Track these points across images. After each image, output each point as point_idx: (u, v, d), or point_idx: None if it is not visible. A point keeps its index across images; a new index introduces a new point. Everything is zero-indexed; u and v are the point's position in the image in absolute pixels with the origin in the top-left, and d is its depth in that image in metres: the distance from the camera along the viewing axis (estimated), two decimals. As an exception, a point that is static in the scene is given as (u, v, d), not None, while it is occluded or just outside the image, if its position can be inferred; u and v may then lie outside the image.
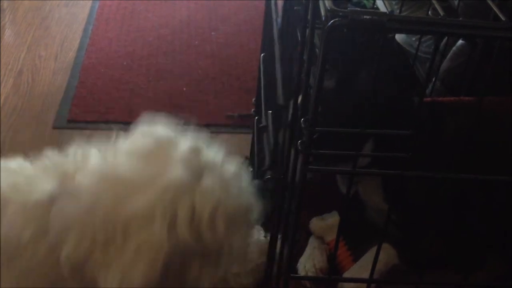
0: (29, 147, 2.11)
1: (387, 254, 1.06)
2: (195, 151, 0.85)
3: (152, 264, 0.75)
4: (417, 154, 1.00)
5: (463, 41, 1.51)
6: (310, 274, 1.04)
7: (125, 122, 2.27)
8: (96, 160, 0.87)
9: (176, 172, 0.79)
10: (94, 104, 2.35)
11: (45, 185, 0.87)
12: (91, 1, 3.05)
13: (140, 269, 0.74)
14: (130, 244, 0.74)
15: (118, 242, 0.75)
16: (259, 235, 0.97)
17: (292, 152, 0.90)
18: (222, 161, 0.88)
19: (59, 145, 2.13)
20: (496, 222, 1.09)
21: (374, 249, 1.06)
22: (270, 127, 1.30)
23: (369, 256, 1.06)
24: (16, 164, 0.94)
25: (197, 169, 0.82)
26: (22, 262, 0.82)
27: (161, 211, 0.75)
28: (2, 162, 0.94)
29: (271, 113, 1.33)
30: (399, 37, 1.69)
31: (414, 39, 1.69)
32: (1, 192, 0.87)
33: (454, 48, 1.52)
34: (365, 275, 1.03)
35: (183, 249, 0.77)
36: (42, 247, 0.81)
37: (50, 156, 0.93)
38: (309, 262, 1.06)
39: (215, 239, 0.79)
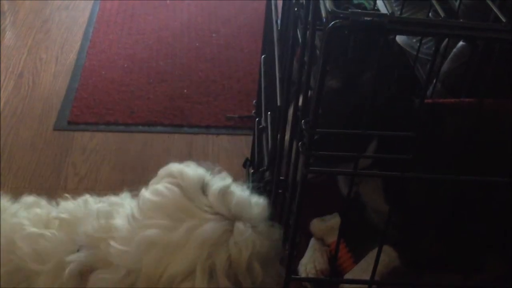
0: (30, 149, 2.13)
1: (388, 256, 1.05)
2: (224, 195, 0.87)
3: None
4: (417, 155, 1.01)
5: (463, 43, 1.51)
6: (311, 275, 1.04)
7: (126, 124, 2.28)
8: (122, 220, 0.87)
9: (209, 225, 0.82)
10: (95, 106, 2.36)
11: (73, 254, 0.87)
12: (91, 4, 3.05)
13: None
14: None
15: None
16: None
17: (293, 153, 0.90)
18: (249, 199, 0.90)
19: (60, 147, 2.14)
20: (496, 222, 1.09)
21: (375, 251, 1.06)
22: (269, 128, 1.30)
23: (370, 258, 1.06)
24: (34, 227, 0.94)
25: (228, 215, 0.84)
26: None
27: (201, 267, 0.79)
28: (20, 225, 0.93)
29: (270, 114, 1.33)
30: (399, 38, 1.69)
31: (414, 40, 1.69)
32: (22, 260, 0.88)
33: (454, 49, 1.52)
34: (366, 277, 1.03)
35: None
36: None
37: (69, 211, 0.93)
38: (310, 264, 1.06)
39: (253, 281, 0.82)
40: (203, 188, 0.88)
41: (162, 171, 0.92)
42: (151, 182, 0.91)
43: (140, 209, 0.85)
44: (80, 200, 0.97)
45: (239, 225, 0.83)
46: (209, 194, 0.86)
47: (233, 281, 0.80)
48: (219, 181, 0.89)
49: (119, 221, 0.86)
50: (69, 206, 0.95)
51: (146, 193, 0.88)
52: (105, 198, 0.95)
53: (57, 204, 0.98)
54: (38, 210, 0.97)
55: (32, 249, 0.89)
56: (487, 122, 1.11)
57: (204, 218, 0.82)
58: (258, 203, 0.88)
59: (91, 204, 0.94)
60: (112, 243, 0.82)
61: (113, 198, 0.95)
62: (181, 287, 0.78)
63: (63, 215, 0.94)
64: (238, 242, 0.81)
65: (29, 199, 1.00)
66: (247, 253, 0.81)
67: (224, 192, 0.86)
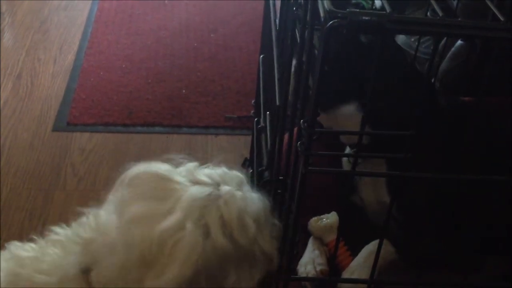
0: (29, 150, 2.12)
1: (384, 250, 1.05)
2: (198, 169, 0.89)
3: (185, 263, 0.78)
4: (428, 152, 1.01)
5: (462, 42, 1.51)
6: (310, 275, 1.04)
7: (124, 124, 2.28)
8: (109, 215, 0.89)
9: (194, 189, 0.84)
10: (93, 107, 2.35)
11: (71, 257, 0.89)
12: (89, 5, 3.05)
13: (173, 268, 0.78)
14: (165, 249, 0.79)
15: (154, 252, 0.79)
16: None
17: (292, 153, 0.90)
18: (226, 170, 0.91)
19: (59, 147, 2.14)
20: (496, 222, 1.09)
21: (369, 245, 1.06)
22: (268, 128, 1.30)
23: (364, 252, 1.06)
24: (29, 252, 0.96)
25: (211, 182, 0.86)
26: None
27: (192, 222, 0.80)
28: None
29: (269, 114, 1.33)
30: (398, 38, 1.69)
31: (413, 39, 1.69)
32: (35, 281, 0.90)
33: (453, 48, 1.52)
34: (363, 272, 1.03)
35: (221, 255, 0.81)
36: None
37: (64, 232, 0.96)
38: (309, 264, 1.06)
39: (248, 240, 0.83)
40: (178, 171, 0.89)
41: (124, 178, 0.92)
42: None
43: (122, 199, 0.87)
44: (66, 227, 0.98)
45: (225, 187, 0.85)
46: (185, 168, 0.89)
47: (229, 239, 0.81)
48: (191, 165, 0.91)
49: (105, 217, 0.89)
50: (59, 231, 0.97)
51: (123, 188, 0.89)
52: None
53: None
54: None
55: (35, 269, 0.91)
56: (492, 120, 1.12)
57: (188, 188, 0.84)
58: (237, 174, 0.90)
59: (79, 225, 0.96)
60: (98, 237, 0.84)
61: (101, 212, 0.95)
62: (172, 238, 0.79)
63: (56, 237, 0.96)
64: (227, 200, 0.83)
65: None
66: (237, 209, 0.83)
67: (197, 167, 0.90)
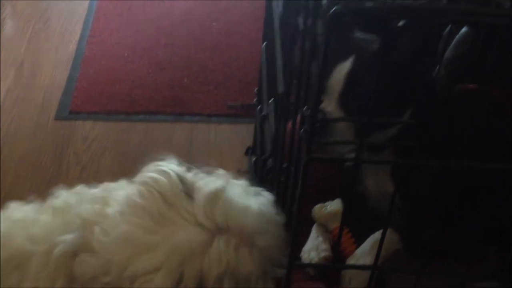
0: (31, 139, 2.13)
1: (389, 239, 1.05)
2: (213, 202, 0.82)
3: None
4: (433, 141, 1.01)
5: (466, 29, 1.50)
6: (314, 262, 1.04)
7: (127, 113, 2.28)
8: (113, 210, 0.86)
9: (186, 234, 0.80)
10: (96, 96, 2.35)
11: (66, 236, 0.87)
12: (91, -7, 3.04)
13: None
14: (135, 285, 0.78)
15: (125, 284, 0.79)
16: None
17: (295, 140, 0.90)
18: (243, 206, 0.84)
19: (61, 136, 2.14)
20: (500, 213, 1.09)
21: (376, 234, 1.06)
22: (271, 116, 1.30)
23: (370, 241, 1.06)
24: (25, 213, 0.96)
25: (211, 227, 0.81)
26: None
27: (166, 269, 0.78)
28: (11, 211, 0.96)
29: (272, 102, 1.33)
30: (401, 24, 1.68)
31: (416, 27, 1.68)
32: (20, 246, 0.89)
33: (457, 35, 1.51)
34: (367, 260, 1.03)
35: None
36: None
37: (62, 200, 0.94)
38: (313, 251, 1.06)
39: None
40: (189, 190, 0.84)
41: (141, 176, 0.89)
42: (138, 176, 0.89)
43: (128, 205, 0.85)
44: (75, 189, 0.96)
45: (219, 241, 0.80)
46: (195, 199, 0.83)
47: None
48: (210, 183, 0.85)
49: (111, 209, 0.86)
50: (62, 195, 0.95)
51: (133, 191, 0.86)
52: (103, 185, 0.94)
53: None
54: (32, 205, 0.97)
55: (26, 233, 0.90)
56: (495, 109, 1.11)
57: (185, 226, 0.80)
58: (255, 210, 0.84)
59: (85, 191, 0.94)
60: (96, 230, 0.83)
61: (110, 184, 0.94)
62: (142, 281, 0.78)
63: (56, 203, 0.94)
64: (212, 258, 0.79)
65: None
66: (217, 270, 0.79)
67: (213, 199, 0.82)
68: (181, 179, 0.85)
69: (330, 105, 1.02)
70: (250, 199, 0.85)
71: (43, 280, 0.85)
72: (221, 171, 0.91)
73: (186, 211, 0.82)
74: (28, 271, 0.87)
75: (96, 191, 0.93)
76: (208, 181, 0.86)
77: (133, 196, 0.85)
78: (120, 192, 0.89)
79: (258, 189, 0.90)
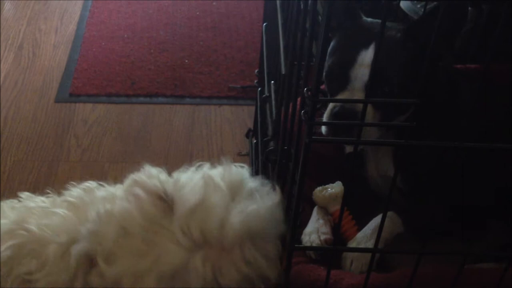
0: (32, 122, 2.12)
1: (392, 223, 1.05)
2: (189, 216, 0.81)
3: None
4: (432, 121, 1.00)
5: (469, 8, 1.49)
6: (314, 245, 1.04)
7: (127, 95, 2.27)
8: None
9: (169, 255, 0.80)
10: (96, 78, 2.34)
11: (78, 227, 0.89)
12: (90, -27, 3.01)
13: None
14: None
15: None
16: None
17: (296, 122, 0.89)
18: (225, 216, 0.82)
19: (62, 119, 2.13)
20: (501, 190, 1.08)
21: (378, 217, 1.05)
22: (273, 97, 1.29)
23: (372, 224, 1.05)
24: (40, 203, 0.97)
25: (189, 243, 0.81)
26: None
27: None
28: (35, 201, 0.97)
29: (273, 83, 1.32)
30: (403, 3, 1.66)
31: (419, 6, 1.66)
32: (35, 233, 0.90)
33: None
34: (369, 244, 1.03)
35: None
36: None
37: (76, 196, 0.95)
38: (313, 233, 1.06)
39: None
40: (169, 204, 0.83)
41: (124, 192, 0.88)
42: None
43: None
44: (83, 187, 0.96)
45: (195, 258, 0.80)
46: (175, 214, 0.82)
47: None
48: (190, 194, 0.83)
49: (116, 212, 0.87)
50: (74, 192, 0.95)
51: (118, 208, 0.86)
52: (105, 187, 0.95)
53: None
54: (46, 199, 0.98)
55: (42, 222, 0.90)
56: (496, 88, 1.10)
57: (166, 247, 0.80)
58: (236, 221, 0.81)
59: (95, 192, 0.94)
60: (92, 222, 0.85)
61: (111, 188, 0.94)
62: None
63: (71, 199, 0.94)
64: (191, 277, 0.80)
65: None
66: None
67: (190, 214, 0.81)
68: (164, 193, 0.84)
69: (356, 95, 1.01)
70: (235, 207, 0.82)
71: (63, 273, 0.86)
72: (222, 163, 0.88)
73: (165, 228, 0.81)
74: (44, 259, 0.87)
75: (105, 193, 0.92)
76: (188, 192, 0.83)
77: (118, 214, 0.85)
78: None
79: (262, 188, 0.87)
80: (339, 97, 1.04)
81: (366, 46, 1.01)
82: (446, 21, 0.96)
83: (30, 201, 0.96)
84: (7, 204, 0.97)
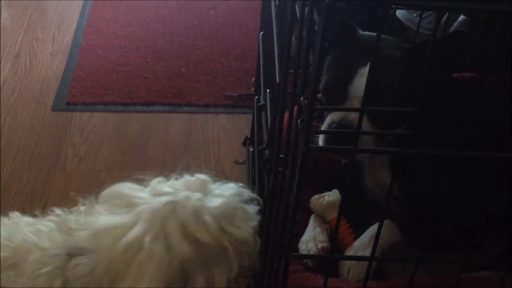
0: (28, 130, 2.12)
1: (389, 231, 1.05)
2: (158, 182, 0.95)
3: (153, 282, 0.85)
4: (427, 130, 1.00)
5: (464, 17, 1.50)
6: (311, 253, 1.04)
7: (124, 104, 2.27)
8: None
9: (154, 201, 0.91)
10: (93, 87, 2.34)
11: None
12: (87, -18, 3.02)
13: (143, 284, 0.85)
14: (131, 267, 0.85)
15: (121, 270, 0.86)
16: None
17: (293, 130, 0.89)
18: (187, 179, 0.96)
19: (59, 127, 2.13)
20: (498, 199, 1.08)
21: (375, 225, 1.05)
22: (268, 106, 1.29)
23: (369, 233, 1.05)
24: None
25: (170, 192, 0.92)
26: None
27: (153, 237, 0.87)
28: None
29: (269, 92, 1.32)
30: (399, 13, 1.67)
31: (415, 15, 1.67)
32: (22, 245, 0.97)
33: (455, 23, 1.50)
34: (366, 252, 1.03)
35: (188, 260, 0.87)
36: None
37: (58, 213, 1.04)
38: (310, 241, 1.06)
39: (211, 235, 0.88)
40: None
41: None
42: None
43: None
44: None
45: (182, 193, 0.91)
46: (149, 187, 0.95)
47: (192, 241, 0.87)
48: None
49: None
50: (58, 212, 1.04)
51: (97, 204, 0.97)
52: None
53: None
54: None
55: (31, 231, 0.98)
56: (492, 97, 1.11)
57: (148, 201, 0.91)
58: (199, 178, 0.95)
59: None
60: (81, 232, 0.92)
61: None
62: (136, 258, 0.86)
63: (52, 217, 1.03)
64: (183, 204, 0.89)
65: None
66: (193, 209, 0.88)
67: (162, 181, 0.95)
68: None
69: (353, 112, 1.01)
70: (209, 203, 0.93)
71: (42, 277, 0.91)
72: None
73: (146, 193, 0.95)
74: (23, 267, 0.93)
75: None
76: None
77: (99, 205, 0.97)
78: None
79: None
80: (337, 113, 1.03)
81: (364, 63, 1.00)
82: (445, 52, 0.96)
83: (19, 219, 1.04)
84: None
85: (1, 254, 0.94)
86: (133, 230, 0.87)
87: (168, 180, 0.97)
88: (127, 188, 0.95)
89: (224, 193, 0.93)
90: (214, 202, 0.91)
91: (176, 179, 0.96)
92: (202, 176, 0.95)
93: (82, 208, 0.99)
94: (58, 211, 1.02)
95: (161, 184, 0.95)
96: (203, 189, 0.93)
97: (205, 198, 0.91)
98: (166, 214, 0.88)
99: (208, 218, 0.88)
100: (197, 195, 0.90)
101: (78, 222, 0.95)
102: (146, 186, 0.97)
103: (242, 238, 0.91)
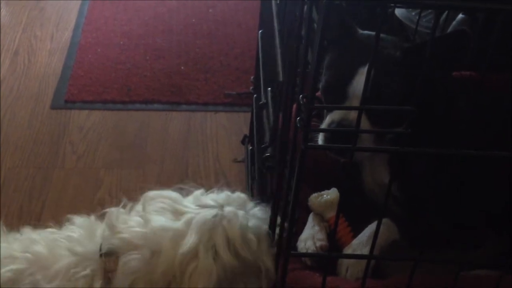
0: (27, 128, 2.11)
1: (388, 230, 1.05)
2: (201, 194, 1.01)
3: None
4: (429, 129, 1.00)
5: (463, 16, 1.50)
6: (310, 251, 1.04)
7: (123, 102, 2.27)
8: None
9: (200, 214, 0.95)
10: (91, 85, 2.34)
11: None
12: (86, -20, 3.01)
13: None
14: (185, 276, 0.90)
15: (177, 277, 0.91)
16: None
17: (292, 128, 0.89)
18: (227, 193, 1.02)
19: (57, 125, 2.13)
20: (498, 199, 1.08)
21: (374, 224, 1.05)
22: (270, 104, 1.29)
23: (368, 231, 1.05)
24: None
25: (215, 205, 0.97)
26: None
27: (203, 247, 0.91)
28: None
29: (270, 90, 1.32)
30: (398, 11, 1.67)
31: (414, 13, 1.67)
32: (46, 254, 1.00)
33: (454, 22, 1.50)
34: (365, 250, 1.03)
35: (230, 271, 0.92)
36: None
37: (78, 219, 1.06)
38: (309, 240, 1.06)
39: (252, 254, 0.93)
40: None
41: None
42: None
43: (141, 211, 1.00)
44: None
45: (228, 208, 0.96)
46: (192, 198, 1.00)
47: (234, 253, 0.92)
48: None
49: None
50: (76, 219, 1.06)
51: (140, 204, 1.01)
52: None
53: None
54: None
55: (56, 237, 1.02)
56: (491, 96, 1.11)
57: (195, 212, 0.96)
58: (239, 195, 1.00)
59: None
60: (133, 228, 0.95)
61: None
62: (190, 266, 0.91)
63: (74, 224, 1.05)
64: (231, 219, 0.94)
65: None
66: (240, 226, 0.94)
67: (204, 193, 1.01)
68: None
69: (353, 111, 1.00)
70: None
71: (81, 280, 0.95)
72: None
73: (191, 203, 0.99)
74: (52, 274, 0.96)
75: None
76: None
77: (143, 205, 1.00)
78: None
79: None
80: (336, 112, 1.03)
81: (364, 62, 0.99)
82: (445, 52, 0.96)
83: (33, 234, 1.04)
84: (9, 236, 1.06)
85: (17, 266, 0.97)
86: (188, 238, 0.91)
87: (208, 192, 1.02)
88: (172, 194, 1.00)
89: (259, 216, 0.99)
90: (255, 222, 0.96)
91: (217, 193, 1.01)
92: (241, 195, 1.01)
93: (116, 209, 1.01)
94: (75, 217, 1.05)
95: (204, 196, 1.00)
96: (243, 207, 0.98)
97: (247, 216, 0.97)
98: (214, 226, 0.93)
99: (251, 236, 0.94)
100: (242, 213, 0.96)
101: (123, 220, 0.97)
102: (185, 196, 1.01)
103: (268, 268, 0.95)
